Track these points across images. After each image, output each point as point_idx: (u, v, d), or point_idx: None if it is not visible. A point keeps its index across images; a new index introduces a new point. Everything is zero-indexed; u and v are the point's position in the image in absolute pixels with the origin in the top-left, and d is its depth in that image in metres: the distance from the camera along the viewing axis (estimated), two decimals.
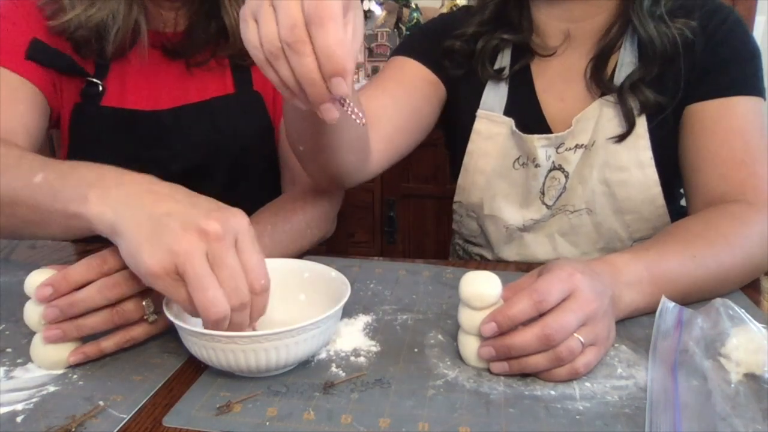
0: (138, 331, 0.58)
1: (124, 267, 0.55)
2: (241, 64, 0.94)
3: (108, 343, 0.57)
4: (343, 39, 0.45)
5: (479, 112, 0.90)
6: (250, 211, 0.79)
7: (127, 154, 0.90)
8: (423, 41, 0.94)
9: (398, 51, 0.95)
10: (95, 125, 0.90)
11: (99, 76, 0.91)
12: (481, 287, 0.54)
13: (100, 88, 0.90)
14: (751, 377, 0.53)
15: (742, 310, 0.57)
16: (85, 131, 0.90)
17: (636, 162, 0.82)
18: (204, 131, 0.92)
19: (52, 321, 0.55)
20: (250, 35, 0.48)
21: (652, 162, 0.82)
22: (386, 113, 0.85)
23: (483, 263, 0.93)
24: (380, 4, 2.48)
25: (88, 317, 0.55)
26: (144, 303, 0.57)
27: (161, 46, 0.92)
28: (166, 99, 0.92)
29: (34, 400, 0.52)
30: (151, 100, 0.92)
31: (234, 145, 0.93)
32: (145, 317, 0.57)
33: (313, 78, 0.47)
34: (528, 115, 0.88)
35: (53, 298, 0.54)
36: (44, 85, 0.88)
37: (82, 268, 0.55)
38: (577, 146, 0.85)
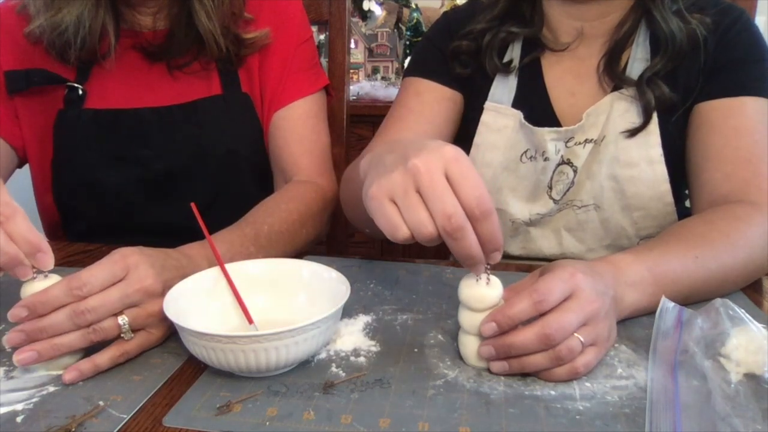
0: (132, 345, 0.57)
1: (103, 289, 0.55)
2: (228, 67, 0.94)
3: (103, 359, 0.55)
4: (498, 224, 0.51)
5: (487, 104, 0.90)
6: (240, 213, 0.80)
7: (110, 154, 0.91)
8: (432, 55, 0.95)
9: (411, 71, 0.96)
10: (78, 128, 0.91)
11: (80, 80, 0.92)
12: (480, 289, 0.54)
13: (80, 92, 0.90)
14: (751, 377, 0.53)
15: (742, 311, 0.57)
16: (69, 135, 0.91)
17: (646, 158, 0.82)
18: (189, 132, 0.92)
19: (16, 346, 0.54)
20: (392, 217, 0.51)
21: (662, 159, 0.82)
22: None
23: None
24: (380, 4, 2.48)
25: (65, 336, 0.54)
26: (120, 321, 0.56)
27: (141, 47, 0.92)
28: (149, 99, 0.93)
29: (34, 400, 0.52)
30: (133, 100, 0.92)
31: (221, 146, 0.93)
32: (121, 335, 0.56)
33: (472, 255, 0.51)
34: (537, 108, 0.88)
35: (28, 320, 0.54)
36: (8, 127, 0.92)
37: (60, 291, 0.54)
38: (586, 141, 0.85)
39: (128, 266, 0.57)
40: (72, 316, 0.54)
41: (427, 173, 0.50)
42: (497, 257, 0.53)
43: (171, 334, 0.61)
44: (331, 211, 0.96)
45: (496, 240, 0.51)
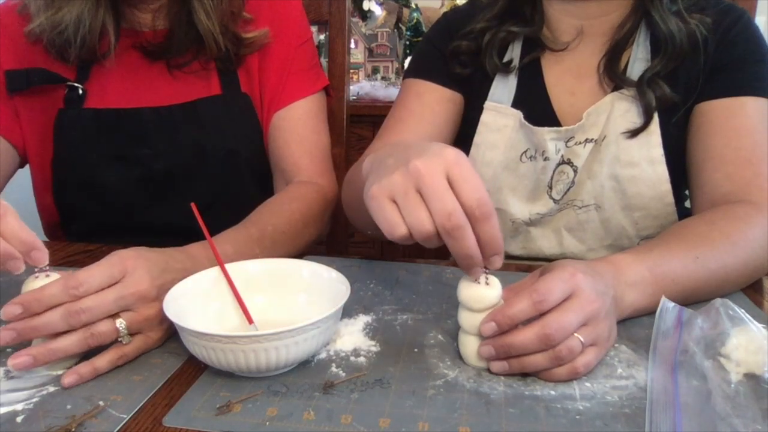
0: (130, 348, 0.57)
1: (100, 290, 0.55)
2: (228, 66, 0.94)
3: (101, 362, 0.55)
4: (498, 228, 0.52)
5: (487, 104, 0.90)
6: (240, 214, 0.80)
7: (110, 154, 0.91)
8: (432, 56, 0.95)
9: (411, 72, 0.96)
10: (78, 128, 0.91)
11: (80, 79, 0.92)
12: (479, 289, 0.54)
13: (80, 92, 0.90)
14: (751, 377, 0.53)
15: (742, 311, 0.57)
16: (69, 135, 0.91)
17: (647, 158, 0.82)
18: (189, 131, 0.92)
19: (6, 344, 0.53)
20: (391, 216, 0.52)
21: (663, 159, 0.82)
22: None
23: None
24: (380, 4, 2.48)
25: (61, 340, 0.54)
26: (118, 325, 0.55)
27: (141, 47, 0.92)
28: (149, 99, 0.93)
29: (34, 400, 0.52)
30: (133, 100, 0.92)
31: (221, 146, 0.93)
32: (119, 339, 0.56)
33: (471, 255, 0.51)
34: (536, 108, 0.88)
35: (22, 318, 0.53)
36: (9, 127, 0.92)
37: (56, 289, 0.53)
38: (587, 140, 0.85)
39: (126, 269, 0.57)
40: (66, 316, 0.53)
41: (428, 175, 0.50)
42: (497, 262, 0.53)
43: (171, 334, 0.61)
44: (332, 212, 0.96)
45: (497, 243, 0.51)
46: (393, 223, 0.52)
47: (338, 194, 0.96)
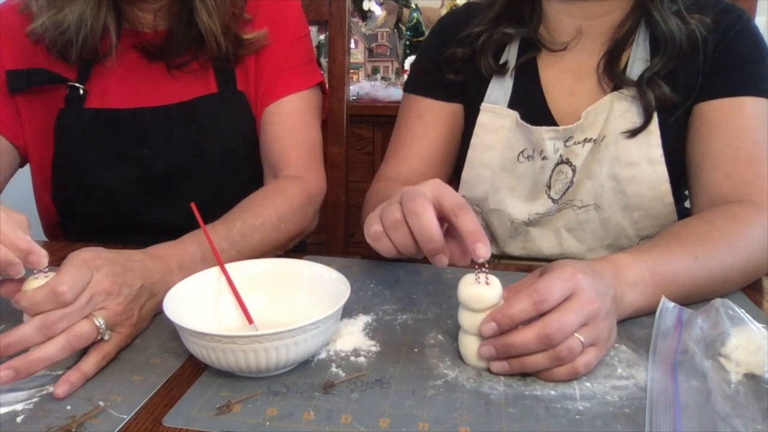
0: (110, 346, 0.57)
1: (82, 291, 0.55)
2: (225, 65, 0.94)
3: (87, 366, 0.55)
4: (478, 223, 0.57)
5: (483, 105, 0.90)
6: None
7: (111, 154, 0.91)
8: (429, 70, 0.96)
9: (410, 87, 0.98)
10: (79, 128, 0.91)
11: (81, 79, 0.92)
12: (479, 289, 0.54)
13: (81, 92, 0.90)
14: (751, 377, 0.53)
15: (742, 311, 0.57)
16: (70, 135, 0.91)
17: (647, 158, 0.82)
18: (187, 131, 0.92)
19: None
20: (373, 221, 0.61)
21: (662, 159, 0.82)
22: (420, 175, 0.92)
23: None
24: (380, 4, 2.48)
25: (43, 348, 0.53)
26: (97, 323, 0.55)
27: (141, 47, 0.92)
28: (148, 99, 0.92)
29: (34, 400, 0.52)
30: (133, 100, 0.92)
31: (219, 145, 0.93)
32: (99, 337, 0.56)
33: (432, 236, 0.56)
34: (532, 108, 0.88)
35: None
36: (10, 126, 0.92)
37: (44, 297, 0.53)
38: (585, 140, 0.85)
39: (91, 269, 0.57)
40: (42, 328, 0.53)
41: (411, 191, 0.58)
42: (482, 250, 0.54)
43: (169, 334, 0.61)
44: (317, 207, 0.95)
45: (478, 232, 0.55)
46: (371, 222, 0.60)
47: (324, 190, 0.97)
